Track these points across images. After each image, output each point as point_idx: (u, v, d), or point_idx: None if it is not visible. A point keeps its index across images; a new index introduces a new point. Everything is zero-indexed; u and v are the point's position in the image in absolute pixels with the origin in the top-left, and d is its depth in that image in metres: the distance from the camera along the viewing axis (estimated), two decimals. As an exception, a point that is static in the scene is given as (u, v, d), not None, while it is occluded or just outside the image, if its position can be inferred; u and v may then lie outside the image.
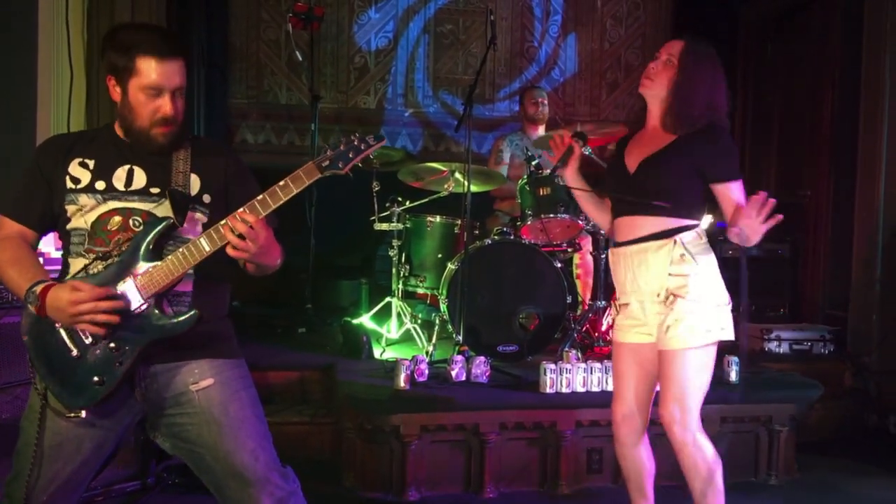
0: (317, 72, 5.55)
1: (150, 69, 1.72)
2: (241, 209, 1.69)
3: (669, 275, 2.16)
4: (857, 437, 3.79)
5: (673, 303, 2.14)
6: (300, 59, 4.84)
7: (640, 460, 2.29)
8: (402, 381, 3.03)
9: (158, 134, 1.78)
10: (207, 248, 1.70)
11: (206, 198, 1.85)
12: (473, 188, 3.94)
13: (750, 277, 4.76)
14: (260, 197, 1.71)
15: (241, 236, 1.65)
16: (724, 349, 3.69)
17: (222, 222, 1.69)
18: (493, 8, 5.99)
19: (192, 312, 1.73)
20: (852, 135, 4.21)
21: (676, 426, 2.14)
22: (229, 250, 1.68)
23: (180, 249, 1.71)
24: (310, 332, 4.25)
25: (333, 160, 1.75)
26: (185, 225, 1.78)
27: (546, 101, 4.54)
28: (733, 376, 3.26)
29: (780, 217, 2.16)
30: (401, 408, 2.91)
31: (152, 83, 1.73)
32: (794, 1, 4.93)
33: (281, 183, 1.72)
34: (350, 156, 1.76)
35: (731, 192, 2.22)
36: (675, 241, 2.17)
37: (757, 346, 4.13)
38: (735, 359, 3.30)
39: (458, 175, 3.81)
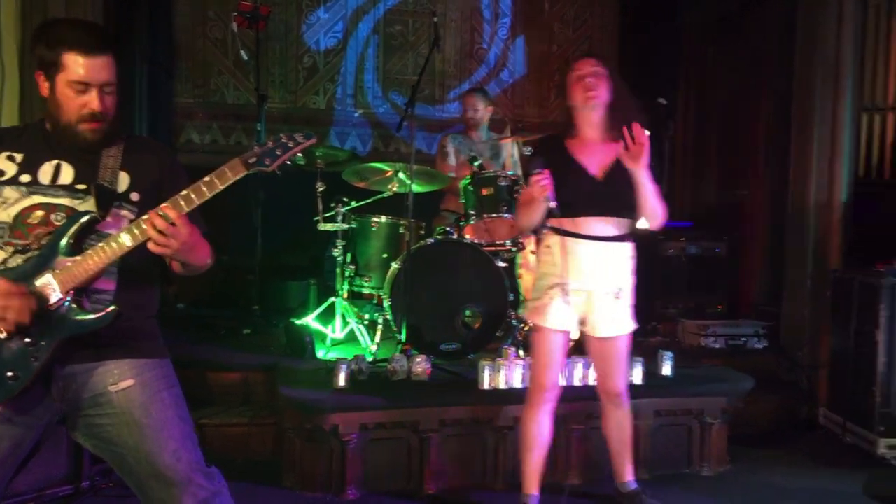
0: (265, 71, 5.53)
1: (76, 64, 1.71)
2: (164, 204, 1.68)
3: (622, 273, 2.60)
4: (789, 428, 3.92)
5: (620, 296, 2.58)
6: (246, 58, 4.81)
7: (548, 427, 2.66)
8: (342, 381, 3.04)
9: (86, 130, 1.77)
10: (128, 244, 1.69)
11: (135, 196, 1.83)
12: (418, 188, 3.97)
13: (688, 275, 4.93)
14: (184, 192, 1.70)
15: (162, 232, 1.65)
16: (659, 345, 3.81)
17: (143, 217, 1.68)
18: (442, 10, 6.07)
19: (110, 308, 1.72)
20: (786, 137, 4.36)
21: (624, 396, 2.70)
22: (150, 246, 1.67)
23: (100, 244, 1.70)
24: (254, 334, 4.22)
25: (260, 157, 1.76)
26: (110, 221, 1.77)
27: (481, 106, 4.48)
28: (667, 370, 3.35)
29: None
30: (340, 407, 2.92)
31: (79, 78, 1.72)
32: (732, 6, 5.07)
33: (206, 179, 1.72)
34: (278, 153, 1.77)
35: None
36: (627, 244, 2.62)
37: (694, 341, 4.24)
38: (669, 353, 3.39)
39: (402, 175, 3.83)
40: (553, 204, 2.45)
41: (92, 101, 1.74)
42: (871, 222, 4.15)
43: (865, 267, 3.62)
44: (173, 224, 1.65)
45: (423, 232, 4.07)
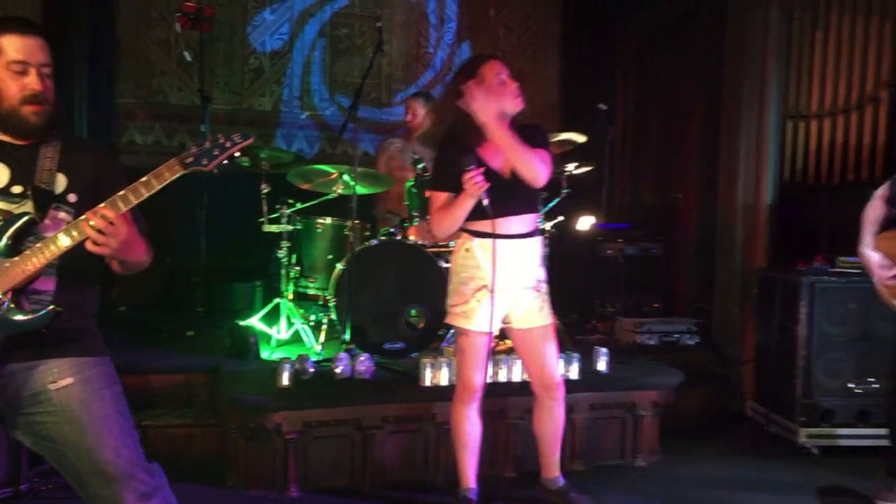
0: (209, 72, 5.50)
1: (11, 46, 1.75)
2: (102, 205, 1.71)
3: (539, 266, 2.71)
4: (718, 421, 4.11)
5: (539, 288, 2.69)
6: (189, 59, 4.79)
7: (479, 423, 2.74)
8: (285, 380, 3.08)
9: (29, 112, 1.78)
10: (66, 244, 1.72)
11: (72, 197, 1.85)
12: (363, 190, 4.03)
13: (626, 275, 5.11)
14: (121, 193, 1.73)
15: (101, 232, 1.68)
16: (597, 342, 3.95)
17: (82, 217, 1.71)
18: (388, 14, 6.15)
19: (49, 308, 1.74)
20: (716, 142, 4.56)
21: (561, 387, 2.76)
22: (88, 245, 1.69)
23: (38, 245, 1.72)
24: (198, 336, 4.21)
25: (197, 157, 1.80)
26: (48, 223, 1.79)
27: (422, 112, 4.52)
28: (602, 366, 3.48)
29: None
30: (283, 405, 2.96)
31: (17, 58, 1.75)
32: (668, 18, 5.28)
33: (143, 179, 1.75)
34: (215, 153, 1.81)
35: None
36: (540, 238, 2.73)
37: (630, 339, 4.40)
38: (604, 350, 3.53)
39: (347, 178, 3.88)
40: (486, 202, 2.49)
41: (32, 81, 1.77)
42: (795, 224, 4.39)
43: (789, 266, 3.82)
44: (112, 224, 1.68)
45: (367, 233, 4.13)
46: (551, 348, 2.74)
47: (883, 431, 3.15)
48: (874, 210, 2.88)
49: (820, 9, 4.66)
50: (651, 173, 5.57)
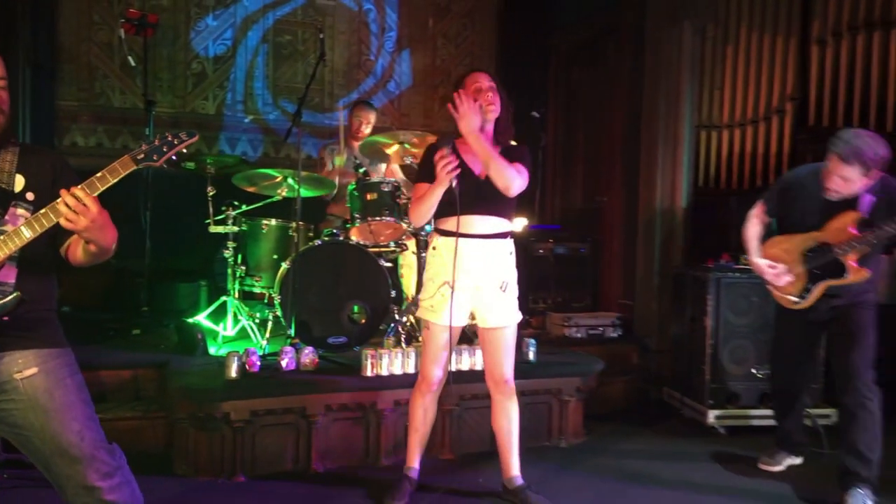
0: (152, 76, 5.59)
1: None
2: (74, 188, 1.85)
3: (507, 267, 2.82)
4: (638, 406, 4.46)
5: (505, 289, 2.80)
6: (133, 64, 4.88)
7: (433, 411, 2.95)
8: (233, 372, 3.25)
9: None
10: (27, 235, 1.87)
11: (30, 195, 2.00)
12: (307, 193, 4.22)
13: (556, 273, 5.43)
14: (87, 181, 1.90)
15: (73, 211, 1.82)
16: (530, 336, 4.23)
17: (42, 210, 1.87)
18: (331, 22, 6.34)
19: (13, 294, 1.89)
20: (637, 150, 4.93)
21: (511, 384, 2.91)
22: (62, 221, 1.83)
23: (1, 238, 1.87)
24: (145, 334, 4.32)
25: (148, 153, 1.98)
26: (7, 218, 1.94)
27: (372, 119, 4.74)
28: (531, 356, 3.77)
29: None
30: (231, 395, 3.14)
31: None
32: (593, 33, 5.64)
33: (98, 175, 1.91)
34: (164, 149, 2.00)
35: None
36: (509, 240, 2.85)
37: (560, 332, 4.72)
38: (532, 341, 3.82)
39: (290, 181, 4.07)
40: (455, 183, 2.63)
41: None
42: (707, 225, 4.79)
43: (699, 264, 4.20)
44: (83, 205, 1.84)
45: (311, 234, 4.32)
46: (508, 349, 2.86)
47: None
48: (752, 228, 3.28)
49: (730, 27, 5.09)
50: (580, 178, 5.93)
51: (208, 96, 5.98)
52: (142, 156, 1.96)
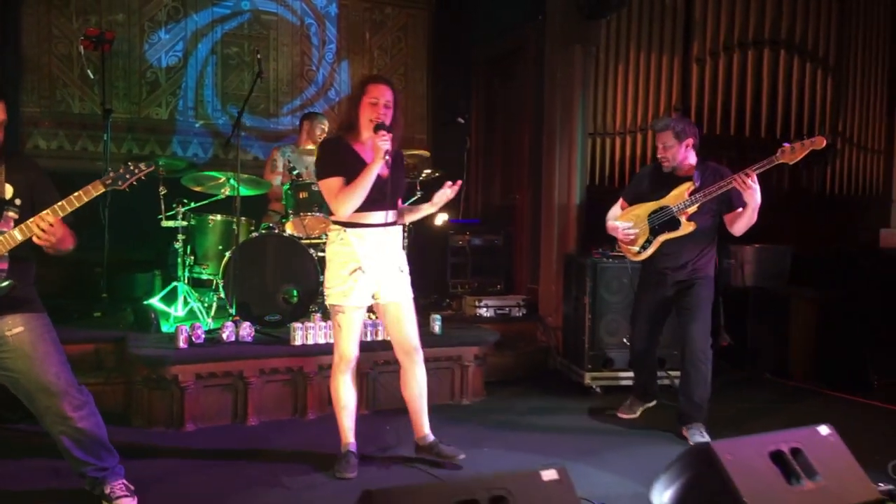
0: (109, 85, 6.12)
1: None
2: (45, 212, 2.51)
3: (401, 251, 3.29)
4: (538, 374, 5.21)
5: (403, 269, 3.25)
6: (92, 76, 5.44)
7: (355, 387, 3.33)
8: (181, 342, 3.90)
9: None
10: (19, 238, 2.52)
11: (18, 201, 2.64)
12: (248, 192, 4.86)
13: (473, 262, 6.17)
14: (59, 203, 2.54)
15: (45, 230, 2.48)
16: (446, 316, 4.91)
17: (29, 220, 2.51)
18: (274, 35, 6.95)
19: (7, 282, 2.54)
20: (540, 153, 5.67)
21: (419, 351, 3.29)
22: (35, 240, 2.51)
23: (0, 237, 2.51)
24: (105, 316, 4.90)
25: (115, 179, 2.64)
26: (1, 221, 2.57)
27: (325, 129, 5.50)
28: (437, 330, 4.49)
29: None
30: (179, 361, 3.79)
31: None
32: (506, 50, 6.38)
33: (75, 194, 2.57)
34: (127, 176, 2.66)
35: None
36: (401, 228, 3.31)
37: (472, 311, 5.45)
38: (438, 317, 4.53)
39: (233, 181, 4.70)
40: (388, 158, 2.99)
41: None
42: (598, 220, 5.53)
43: (584, 252, 4.95)
44: (51, 225, 2.49)
45: (253, 228, 4.95)
46: (411, 319, 3.24)
47: None
48: (612, 211, 4.08)
49: (621, 48, 5.87)
50: (498, 177, 6.66)
51: (161, 103, 6.54)
52: (109, 181, 2.62)
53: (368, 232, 3.15)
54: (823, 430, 2.63)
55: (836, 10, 6.61)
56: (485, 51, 6.75)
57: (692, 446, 2.52)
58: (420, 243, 5.43)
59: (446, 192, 3.21)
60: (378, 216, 3.15)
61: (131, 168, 2.65)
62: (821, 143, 3.42)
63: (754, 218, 3.63)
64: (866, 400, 4.76)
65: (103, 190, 2.61)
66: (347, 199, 3.07)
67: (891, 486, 2.83)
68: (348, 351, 3.22)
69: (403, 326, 3.25)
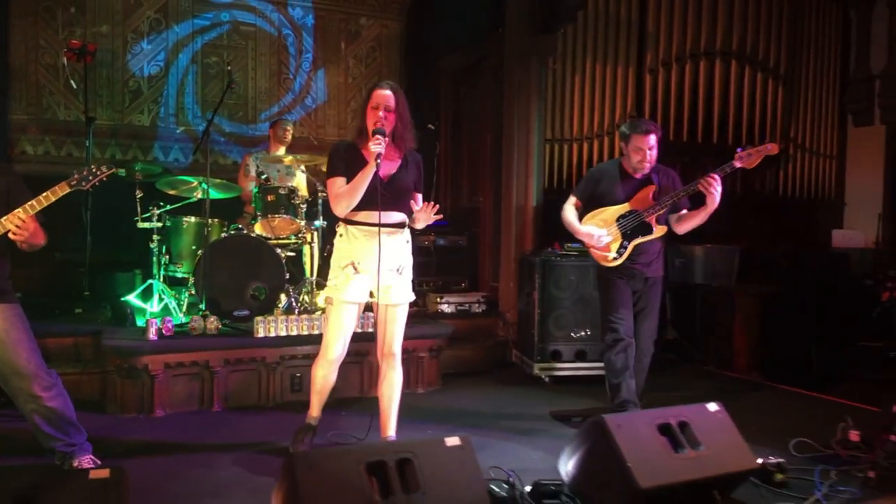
0: (93, 93, 6.47)
1: None
2: (18, 209, 2.82)
3: (403, 253, 3.30)
4: (496, 366, 5.52)
5: (402, 272, 3.28)
6: (75, 87, 5.75)
7: (334, 376, 3.40)
8: (151, 335, 4.21)
9: None
10: None
11: None
12: (218, 195, 5.18)
13: (438, 261, 6.47)
14: (30, 203, 2.86)
15: (18, 227, 2.80)
16: (413, 313, 5.20)
17: (4, 218, 2.82)
18: (253, 45, 7.27)
19: None
20: (500, 159, 6.00)
21: (398, 357, 3.36)
22: (10, 235, 2.82)
23: None
24: (85, 312, 5.22)
25: (79, 180, 2.95)
26: None
27: (291, 130, 5.84)
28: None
29: (440, 216, 3.26)
30: (150, 351, 4.10)
31: None
32: (471, 61, 6.72)
33: (44, 194, 2.88)
34: (90, 178, 2.98)
35: (419, 196, 3.41)
36: (406, 230, 3.31)
37: (435, 308, 5.77)
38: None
39: (204, 185, 5.02)
40: (379, 161, 3.02)
41: None
42: (553, 221, 5.85)
43: (538, 251, 5.27)
44: (24, 221, 2.80)
45: (226, 229, 5.26)
46: (399, 324, 3.28)
47: (592, 365, 4.70)
48: (570, 213, 4.01)
49: (577, 60, 6.20)
50: (465, 181, 6.99)
51: (144, 110, 6.86)
52: (74, 182, 2.94)
53: (363, 230, 3.18)
54: (712, 406, 2.95)
55: (787, 22, 6.96)
56: (452, 61, 7.09)
57: (590, 419, 2.75)
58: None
59: (422, 216, 3.22)
60: (372, 216, 3.13)
61: (93, 170, 2.97)
62: (774, 149, 3.57)
63: (705, 220, 3.73)
64: (803, 391, 5.06)
65: (69, 190, 2.92)
66: (342, 199, 3.14)
67: (782, 460, 3.14)
68: (337, 344, 3.25)
69: (388, 330, 3.30)
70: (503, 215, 5.94)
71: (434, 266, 6.26)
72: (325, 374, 3.31)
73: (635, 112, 6.39)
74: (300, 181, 5.66)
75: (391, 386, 3.34)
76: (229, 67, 5.16)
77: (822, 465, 3.26)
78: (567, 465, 2.86)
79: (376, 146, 3.04)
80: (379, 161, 3.04)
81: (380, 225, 3.10)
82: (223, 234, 4.96)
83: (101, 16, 6.66)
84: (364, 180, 3.08)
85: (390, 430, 3.36)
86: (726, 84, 6.65)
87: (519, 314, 5.51)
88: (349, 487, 2.25)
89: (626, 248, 3.87)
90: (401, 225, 3.26)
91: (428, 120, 7.15)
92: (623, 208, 3.87)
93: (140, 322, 4.87)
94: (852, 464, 3.30)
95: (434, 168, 7.12)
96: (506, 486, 2.80)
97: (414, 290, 6.13)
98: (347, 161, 3.19)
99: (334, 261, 3.24)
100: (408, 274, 3.31)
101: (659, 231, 3.86)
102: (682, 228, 3.86)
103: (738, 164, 3.61)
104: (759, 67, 6.77)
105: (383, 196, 3.08)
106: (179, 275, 5.23)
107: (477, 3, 6.54)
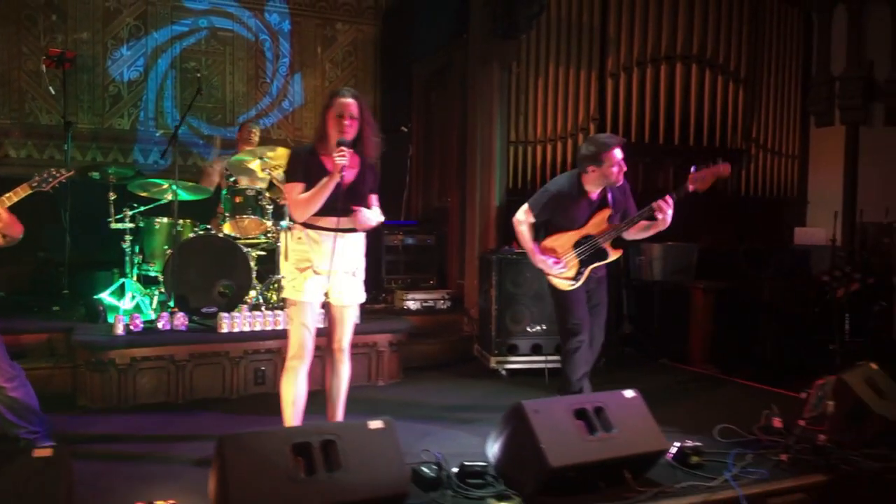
0: (74, 98, 6.68)
1: None
2: None
3: (357, 257, 3.37)
4: (458, 361, 5.73)
5: (356, 274, 3.40)
6: (53, 93, 5.96)
7: (306, 384, 3.33)
8: (119, 330, 4.42)
9: None
10: None
11: None
12: (188, 197, 5.39)
13: (407, 260, 6.70)
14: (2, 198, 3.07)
15: None
16: (381, 310, 5.42)
17: None
18: (231, 50, 7.49)
19: None
20: (465, 160, 6.21)
21: (348, 352, 3.45)
22: None
23: None
24: (63, 310, 5.43)
25: (40, 182, 3.18)
26: None
27: (257, 133, 6.05)
28: (356, 319, 5.00)
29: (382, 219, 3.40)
30: (118, 346, 4.31)
31: None
32: (439, 66, 6.94)
33: (7, 195, 3.10)
34: (49, 180, 3.20)
35: (374, 198, 3.45)
36: (360, 234, 3.36)
37: (402, 305, 5.98)
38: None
39: (174, 188, 5.23)
40: (344, 174, 3.09)
41: None
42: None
43: (496, 249, 5.47)
44: None
45: (196, 229, 5.47)
46: (351, 323, 3.42)
47: (548, 358, 4.91)
48: (526, 233, 3.95)
49: (540, 64, 6.41)
50: (435, 182, 7.20)
51: (124, 114, 7.07)
52: (35, 183, 3.16)
53: (323, 235, 3.23)
54: (629, 393, 3.16)
55: (747, 26, 7.15)
56: (424, 66, 7.30)
57: (512, 406, 2.91)
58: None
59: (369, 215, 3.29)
60: (331, 221, 3.19)
61: (53, 173, 3.19)
62: (726, 170, 3.61)
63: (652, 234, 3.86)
64: (755, 383, 5.25)
65: (30, 191, 3.14)
66: (302, 206, 3.20)
67: (699, 444, 3.35)
68: (302, 346, 3.27)
69: (340, 328, 3.41)
70: (468, 215, 6.15)
71: (402, 264, 6.47)
72: (297, 381, 3.27)
73: (597, 115, 6.59)
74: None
75: (340, 378, 3.44)
76: (199, 75, 5.35)
77: (741, 449, 3.47)
78: (493, 448, 3.07)
79: (341, 159, 3.10)
80: (343, 174, 3.13)
81: (337, 230, 3.19)
82: (192, 235, 5.17)
83: (82, 23, 6.87)
84: (326, 191, 3.13)
85: (338, 418, 3.48)
86: (687, 87, 6.85)
87: (481, 310, 5.72)
88: (275, 466, 2.46)
89: (582, 273, 3.88)
90: (355, 230, 3.32)
91: (401, 123, 7.41)
92: (578, 234, 3.87)
93: (111, 318, 5.08)
94: (770, 448, 3.51)
95: (406, 169, 7.37)
96: (435, 467, 3.01)
97: (382, 287, 6.47)
98: (307, 167, 3.24)
99: (291, 263, 3.29)
100: (360, 276, 3.43)
101: (614, 255, 3.88)
102: (631, 237, 3.96)
103: (691, 188, 3.67)
104: (720, 71, 6.97)
105: (343, 203, 3.16)
106: (152, 273, 5.44)
107: (446, 10, 6.75)
